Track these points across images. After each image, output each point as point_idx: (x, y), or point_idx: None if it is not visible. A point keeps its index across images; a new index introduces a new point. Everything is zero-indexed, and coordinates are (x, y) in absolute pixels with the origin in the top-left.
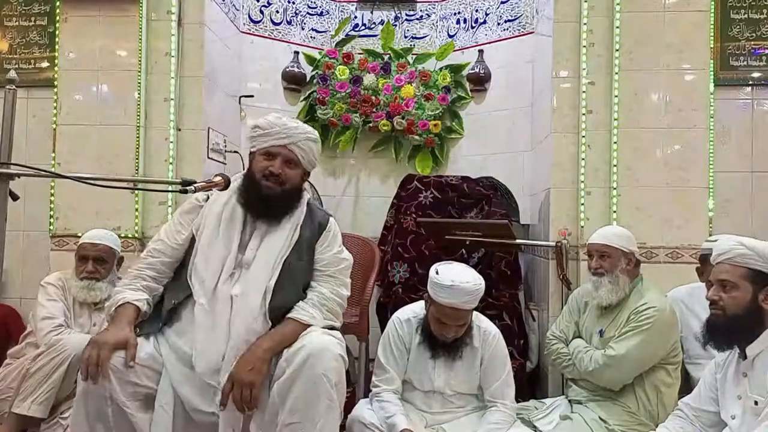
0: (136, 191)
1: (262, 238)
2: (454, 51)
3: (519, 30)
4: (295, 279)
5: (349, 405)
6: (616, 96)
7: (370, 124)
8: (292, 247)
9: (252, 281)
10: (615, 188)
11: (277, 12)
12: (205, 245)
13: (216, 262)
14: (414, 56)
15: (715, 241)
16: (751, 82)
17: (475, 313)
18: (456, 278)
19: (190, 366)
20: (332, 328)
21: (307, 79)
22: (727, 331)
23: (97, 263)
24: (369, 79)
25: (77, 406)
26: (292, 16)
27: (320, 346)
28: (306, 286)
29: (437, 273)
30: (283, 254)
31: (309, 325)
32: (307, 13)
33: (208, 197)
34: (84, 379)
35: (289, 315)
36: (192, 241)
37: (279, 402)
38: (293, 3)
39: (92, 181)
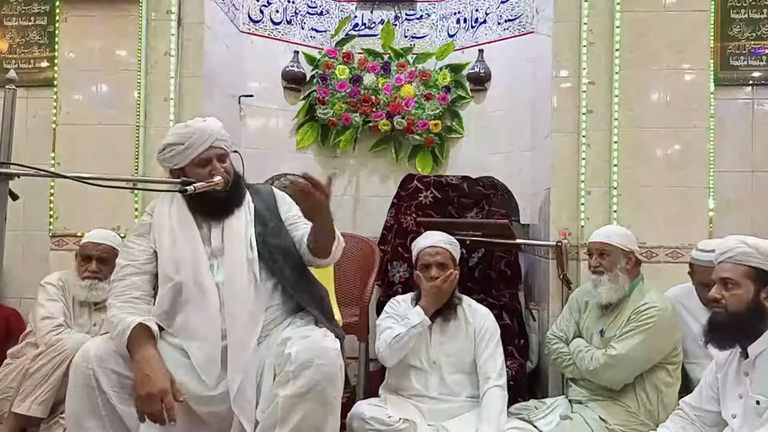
0: (136, 191)
1: (221, 224)
2: (454, 51)
3: (519, 30)
4: (276, 233)
5: (348, 407)
6: (616, 96)
7: (370, 124)
8: (253, 220)
9: (231, 262)
10: (615, 188)
11: (277, 12)
12: (169, 252)
13: (187, 261)
14: (414, 56)
15: (710, 251)
16: (751, 82)
17: (465, 297)
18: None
19: (186, 355)
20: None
21: (307, 78)
22: (728, 328)
23: (100, 263)
24: (369, 78)
25: (69, 401)
26: (291, 16)
27: (332, 365)
28: (288, 238)
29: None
30: (249, 227)
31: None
32: (307, 12)
33: (151, 214)
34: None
35: None
36: (156, 256)
37: (282, 414)
38: (293, 3)
39: (92, 181)
